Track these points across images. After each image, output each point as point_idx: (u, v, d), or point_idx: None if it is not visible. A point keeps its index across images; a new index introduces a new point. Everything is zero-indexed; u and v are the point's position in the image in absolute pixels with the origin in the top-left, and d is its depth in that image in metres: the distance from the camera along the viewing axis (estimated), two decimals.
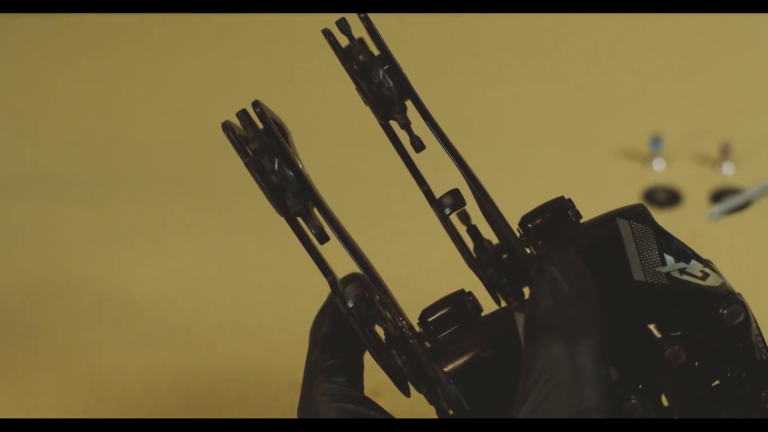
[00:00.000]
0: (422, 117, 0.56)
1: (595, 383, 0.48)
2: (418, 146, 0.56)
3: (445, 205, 0.56)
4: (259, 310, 0.82)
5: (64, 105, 1.04)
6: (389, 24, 0.61)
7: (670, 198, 0.90)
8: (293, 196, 0.53)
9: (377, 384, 0.60)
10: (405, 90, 0.57)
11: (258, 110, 0.53)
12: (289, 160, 0.53)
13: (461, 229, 0.59)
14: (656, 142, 0.93)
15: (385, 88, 0.56)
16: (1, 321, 0.82)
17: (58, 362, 0.79)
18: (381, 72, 0.56)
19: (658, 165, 0.93)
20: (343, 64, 0.57)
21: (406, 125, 0.56)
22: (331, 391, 0.56)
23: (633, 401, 0.52)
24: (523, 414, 0.48)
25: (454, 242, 0.58)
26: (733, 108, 0.99)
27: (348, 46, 0.57)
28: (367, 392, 0.57)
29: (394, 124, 0.58)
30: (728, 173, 0.92)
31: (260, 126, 0.54)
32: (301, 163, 0.54)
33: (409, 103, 0.57)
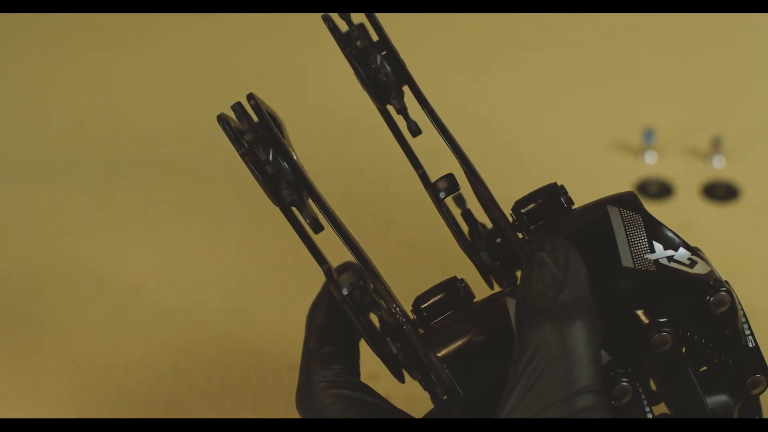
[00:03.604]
0: (418, 102, 0.57)
1: (588, 364, 0.49)
2: (415, 131, 0.57)
3: (440, 189, 0.57)
4: (258, 294, 0.83)
5: (65, 94, 1.05)
6: (383, 15, 0.61)
7: (661, 190, 0.91)
8: (288, 186, 0.54)
9: (375, 368, 0.61)
10: (402, 76, 0.58)
11: (252, 103, 0.54)
12: (283, 151, 0.54)
13: (456, 213, 0.60)
14: (649, 135, 0.93)
15: (382, 74, 0.57)
16: (3, 304, 0.83)
17: (60, 344, 0.80)
18: (379, 57, 0.57)
19: (651, 158, 0.94)
20: (342, 49, 0.58)
21: (402, 110, 0.57)
22: (327, 378, 0.57)
23: (624, 383, 0.53)
24: (516, 395, 0.49)
25: (448, 226, 0.59)
26: (724, 102, 0.99)
27: (347, 32, 0.58)
28: (364, 376, 0.58)
29: (391, 109, 0.59)
30: (719, 166, 0.93)
31: (255, 118, 0.55)
32: (296, 154, 0.55)
33: (407, 90, 0.58)
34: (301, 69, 1.05)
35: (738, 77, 1.03)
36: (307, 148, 0.62)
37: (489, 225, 0.61)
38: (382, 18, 0.58)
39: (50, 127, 1.01)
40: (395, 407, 0.56)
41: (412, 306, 0.56)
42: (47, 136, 1.00)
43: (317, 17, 0.59)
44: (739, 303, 0.55)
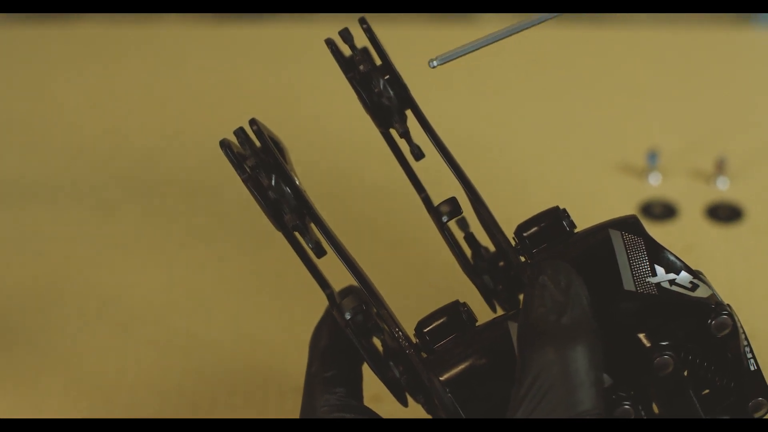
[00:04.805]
0: (421, 126, 0.58)
1: (589, 387, 0.49)
2: (417, 155, 0.57)
3: (443, 213, 0.57)
4: (263, 316, 0.83)
5: (69, 113, 1.05)
6: (390, 36, 0.62)
7: (665, 211, 0.91)
8: (290, 211, 0.54)
9: (378, 391, 0.61)
10: (405, 100, 0.58)
11: (255, 128, 0.54)
12: (286, 176, 0.54)
13: (459, 236, 0.61)
14: (653, 156, 0.93)
15: (384, 98, 0.57)
16: (8, 325, 0.83)
17: (65, 366, 0.80)
18: (381, 82, 0.57)
19: (655, 179, 0.94)
20: (345, 74, 0.58)
21: (404, 134, 0.57)
22: (330, 401, 0.57)
23: (626, 406, 0.53)
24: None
25: (450, 249, 0.59)
26: (728, 124, 1.00)
27: (350, 57, 0.58)
28: (368, 399, 0.58)
29: (394, 132, 0.59)
30: (723, 188, 0.93)
31: (257, 143, 0.55)
32: (298, 179, 0.56)
33: (410, 114, 0.58)
34: (308, 86, 1.05)
35: (742, 98, 1.03)
36: (309, 172, 0.62)
37: (492, 248, 0.62)
38: (383, 37, 0.58)
39: (53, 147, 1.01)
40: None
41: (415, 330, 0.56)
42: (50, 157, 1.00)
43: (324, 32, 0.59)
44: (741, 326, 0.55)
